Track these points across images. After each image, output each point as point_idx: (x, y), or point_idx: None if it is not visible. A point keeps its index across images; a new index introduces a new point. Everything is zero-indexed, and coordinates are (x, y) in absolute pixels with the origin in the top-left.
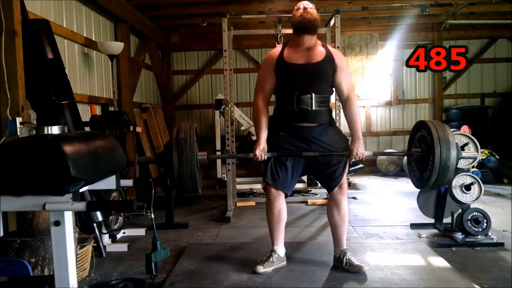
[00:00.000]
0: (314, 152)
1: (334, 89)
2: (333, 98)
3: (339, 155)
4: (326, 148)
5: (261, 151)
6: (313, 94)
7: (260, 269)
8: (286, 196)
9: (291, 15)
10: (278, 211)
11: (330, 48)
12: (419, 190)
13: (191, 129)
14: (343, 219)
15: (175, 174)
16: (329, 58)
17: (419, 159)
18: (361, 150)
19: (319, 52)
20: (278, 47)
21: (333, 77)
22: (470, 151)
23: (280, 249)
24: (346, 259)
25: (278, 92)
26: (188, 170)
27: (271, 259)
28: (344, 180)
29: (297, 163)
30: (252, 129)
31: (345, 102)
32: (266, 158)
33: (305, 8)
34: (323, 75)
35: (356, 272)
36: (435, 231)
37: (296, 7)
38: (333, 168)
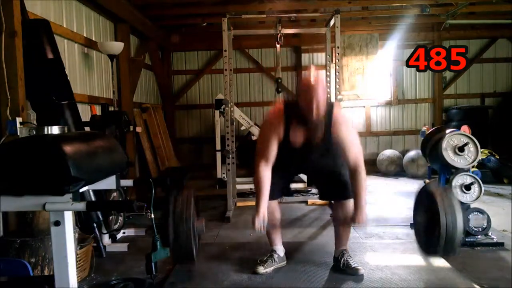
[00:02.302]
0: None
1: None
2: (333, 98)
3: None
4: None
5: (261, 221)
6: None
7: (261, 269)
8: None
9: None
10: (271, 212)
11: (334, 116)
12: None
13: (189, 201)
14: (347, 219)
15: (171, 244)
16: (330, 136)
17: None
18: (362, 218)
19: (321, 129)
20: (281, 109)
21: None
22: (470, 151)
23: (280, 249)
24: (344, 260)
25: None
26: (184, 243)
27: (271, 259)
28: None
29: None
30: (252, 129)
31: (352, 172)
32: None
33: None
34: (325, 153)
35: (352, 274)
36: None
37: (306, 76)
38: (336, 178)
